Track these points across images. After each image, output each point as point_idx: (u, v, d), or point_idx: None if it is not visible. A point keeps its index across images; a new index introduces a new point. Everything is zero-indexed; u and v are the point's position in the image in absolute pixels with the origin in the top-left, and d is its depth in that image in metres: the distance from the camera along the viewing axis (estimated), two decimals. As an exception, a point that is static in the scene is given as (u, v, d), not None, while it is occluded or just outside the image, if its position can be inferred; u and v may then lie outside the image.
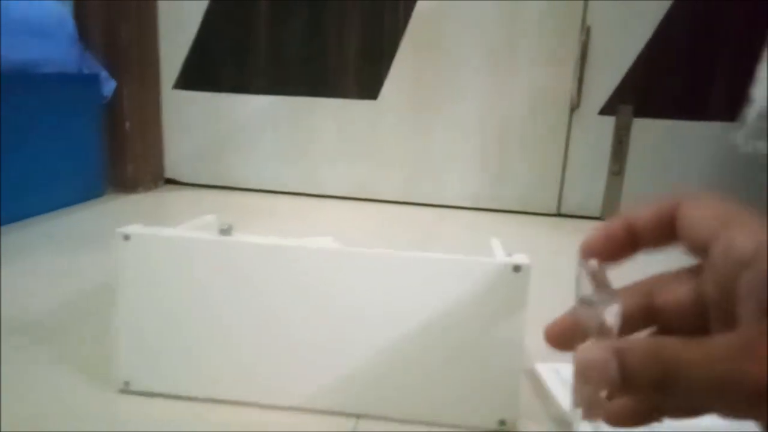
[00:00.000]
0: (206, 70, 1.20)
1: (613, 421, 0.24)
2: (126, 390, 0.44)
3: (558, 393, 0.45)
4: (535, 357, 0.49)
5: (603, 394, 0.21)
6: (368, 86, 1.14)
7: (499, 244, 0.46)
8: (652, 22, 1.02)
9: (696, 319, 0.23)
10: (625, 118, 1.07)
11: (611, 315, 0.21)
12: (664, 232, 0.24)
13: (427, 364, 0.41)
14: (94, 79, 1.07)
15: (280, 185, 1.22)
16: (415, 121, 1.14)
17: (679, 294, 0.24)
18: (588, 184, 1.11)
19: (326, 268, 0.41)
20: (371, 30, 1.12)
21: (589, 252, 0.25)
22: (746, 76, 0.84)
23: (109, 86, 1.09)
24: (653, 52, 1.03)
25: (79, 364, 0.48)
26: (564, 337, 0.25)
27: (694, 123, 1.04)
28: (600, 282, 0.23)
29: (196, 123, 1.22)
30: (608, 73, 1.06)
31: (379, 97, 1.14)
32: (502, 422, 0.41)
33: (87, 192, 1.08)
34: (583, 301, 0.22)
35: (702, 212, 0.22)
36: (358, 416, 0.42)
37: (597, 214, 1.12)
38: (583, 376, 0.20)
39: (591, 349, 0.20)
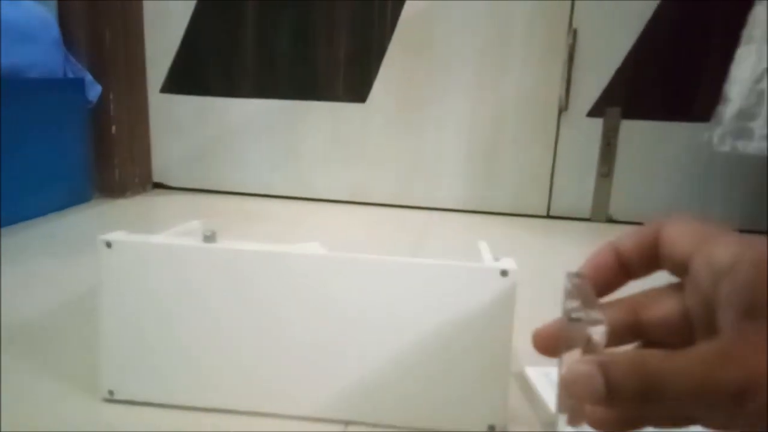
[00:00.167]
0: (194, 74, 1.19)
1: (598, 426, 0.24)
2: (110, 399, 0.43)
3: (548, 397, 0.45)
4: (525, 360, 0.49)
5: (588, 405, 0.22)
6: (357, 89, 1.14)
7: (487, 248, 0.45)
8: (639, 23, 1.03)
9: (681, 333, 0.24)
10: (613, 120, 1.08)
11: (597, 334, 0.21)
12: (649, 257, 0.25)
13: (414, 369, 0.40)
14: (79, 84, 1.06)
15: (269, 189, 1.22)
16: (405, 123, 1.14)
17: (665, 309, 0.24)
18: (577, 186, 1.11)
19: (313, 274, 0.40)
20: (359, 32, 1.11)
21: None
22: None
23: (94, 90, 1.08)
24: (640, 53, 1.04)
25: (63, 372, 0.47)
26: (551, 343, 0.25)
27: (683, 124, 1.05)
28: (585, 297, 0.23)
29: (185, 126, 1.22)
30: (596, 75, 1.06)
31: (368, 100, 1.14)
32: (492, 427, 0.41)
33: (74, 197, 1.07)
34: (571, 318, 0.22)
35: (681, 232, 0.23)
36: (346, 423, 0.42)
37: (587, 216, 1.12)
38: (569, 390, 0.20)
39: (576, 363, 0.20)
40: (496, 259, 0.41)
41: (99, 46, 1.08)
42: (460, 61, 1.09)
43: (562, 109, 1.09)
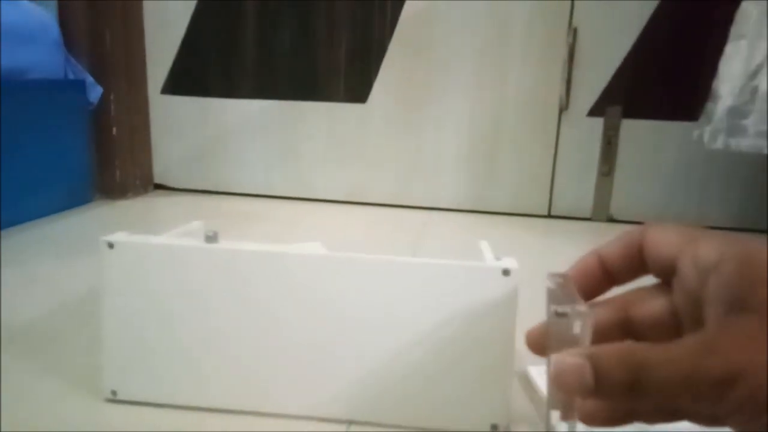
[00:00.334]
0: (194, 75, 1.19)
1: (589, 421, 0.25)
2: (113, 399, 0.43)
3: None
4: (527, 360, 0.48)
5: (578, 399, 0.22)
6: (357, 89, 1.14)
7: (489, 247, 0.45)
8: (639, 22, 1.03)
9: (670, 331, 0.24)
10: (613, 119, 1.08)
11: (584, 327, 0.22)
12: (634, 262, 0.25)
13: (417, 369, 0.40)
14: (80, 85, 1.06)
15: (270, 189, 1.22)
16: (405, 123, 1.14)
17: (654, 307, 0.25)
18: (578, 186, 1.11)
19: (314, 274, 0.40)
20: (359, 32, 1.11)
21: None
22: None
23: (95, 92, 1.08)
24: (641, 53, 1.04)
25: (66, 373, 0.47)
26: (542, 341, 0.26)
27: (684, 123, 1.05)
28: (569, 294, 0.24)
29: (185, 127, 1.22)
30: (596, 74, 1.06)
31: (368, 100, 1.14)
32: (495, 426, 0.41)
33: (74, 198, 1.07)
34: (557, 313, 0.22)
35: (666, 235, 0.24)
36: (349, 422, 0.42)
37: (588, 216, 1.12)
38: (559, 383, 0.21)
39: (564, 355, 0.21)
40: (498, 259, 0.41)
41: (99, 47, 1.08)
42: (459, 61, 1.09)
43: (563, 108, 1.09)
